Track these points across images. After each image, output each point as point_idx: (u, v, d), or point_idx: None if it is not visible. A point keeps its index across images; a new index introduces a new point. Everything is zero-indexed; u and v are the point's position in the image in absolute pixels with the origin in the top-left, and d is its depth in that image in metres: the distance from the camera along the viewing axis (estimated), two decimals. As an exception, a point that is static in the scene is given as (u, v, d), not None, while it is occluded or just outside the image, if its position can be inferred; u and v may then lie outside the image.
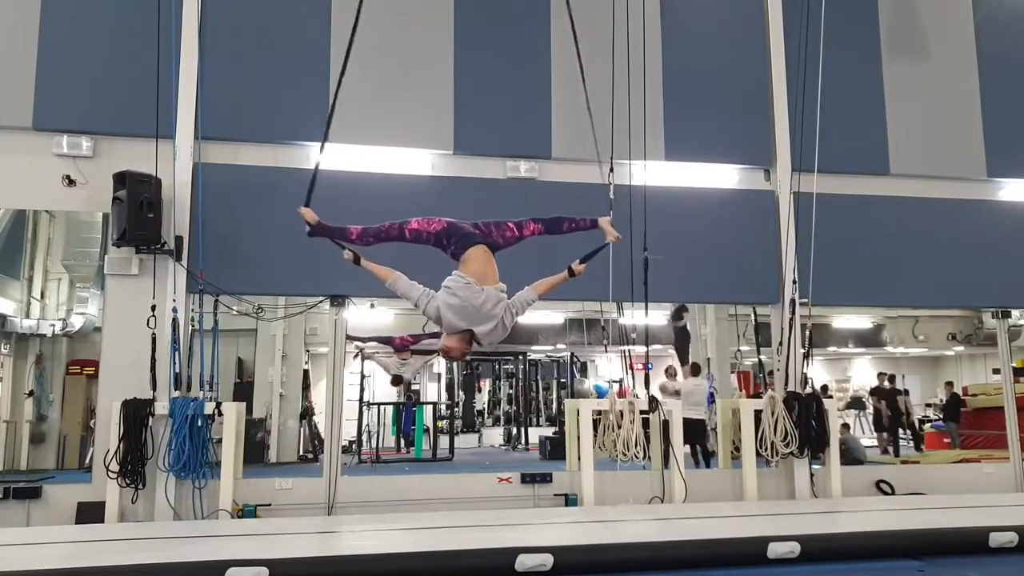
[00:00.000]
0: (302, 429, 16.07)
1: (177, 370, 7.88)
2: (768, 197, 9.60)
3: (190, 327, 8.20)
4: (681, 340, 13.97)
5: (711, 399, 13.36)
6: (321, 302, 9.28)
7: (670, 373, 12.87)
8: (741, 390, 15.95)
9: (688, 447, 10.05)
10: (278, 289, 9.91)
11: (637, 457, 8.28)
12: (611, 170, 8.94)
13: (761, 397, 9.28)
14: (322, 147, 5.58)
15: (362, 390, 15.68)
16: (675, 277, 9.06)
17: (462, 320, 4.74)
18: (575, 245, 9.14)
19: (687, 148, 9.47)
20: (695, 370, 12.26)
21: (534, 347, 19.11)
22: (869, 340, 20.17)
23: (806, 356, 9.18)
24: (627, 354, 9.80)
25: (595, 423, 8.60)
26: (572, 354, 19.17)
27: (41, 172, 8.09)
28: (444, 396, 19.02)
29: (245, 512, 7.91)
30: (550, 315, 18.22)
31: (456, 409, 18.75)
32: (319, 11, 8.82)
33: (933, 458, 13.92)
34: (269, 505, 8.05)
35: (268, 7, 8.86)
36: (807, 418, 8.81)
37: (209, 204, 8.19)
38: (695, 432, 11.11)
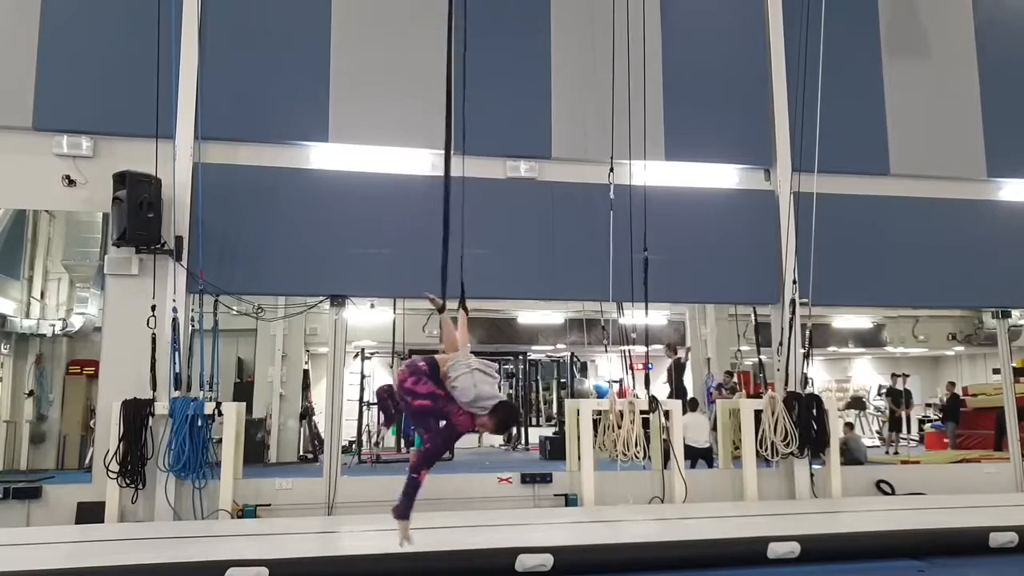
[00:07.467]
0: (302, 429, 16.06)
1: (177, 370, 7.87)
2: (768, 197, 9.60)
3: (190, 327, 8.20)
4: (676, 374, 13.97)
5: (711, 399, 13.37)
6: (321, 302, 9.26)
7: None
8: (741, 390, 15.92)
9: (689, 462, 10.00)
10: (278, 289, 9.89)
11: (637, 457, 8.29)
12: (611, 170, 8.98)
13: (761, 397, 9.29)
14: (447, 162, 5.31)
15: (362, 390, 15.67)
16: (675, 277, 9.08)
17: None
18: (574, 247, 9.16)
19: (687, 148, 9.46)
20: (693, 406, 12.21)
21: (534, 347, 19.11)
22: (869, 340, 20.18)
23: (806, 356, 9.18)
24: (627, 354, 9.79)
25: (595, 423, 8.60)
26: (572, 354, 19.16)
27: (41, 172, 8.09)
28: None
29: (245, 512, 7.91)
30: (550, 315, 18.21)
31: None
32: (319, 11, 8.83)
33: (933, 458, 13.92)
34: (269, 505, 8.05)
35: (268, 7, 8.85)
36: (807, 418, 8.81)
37: (209, 204, 8.18)
38: (700, 455, 11.08)
